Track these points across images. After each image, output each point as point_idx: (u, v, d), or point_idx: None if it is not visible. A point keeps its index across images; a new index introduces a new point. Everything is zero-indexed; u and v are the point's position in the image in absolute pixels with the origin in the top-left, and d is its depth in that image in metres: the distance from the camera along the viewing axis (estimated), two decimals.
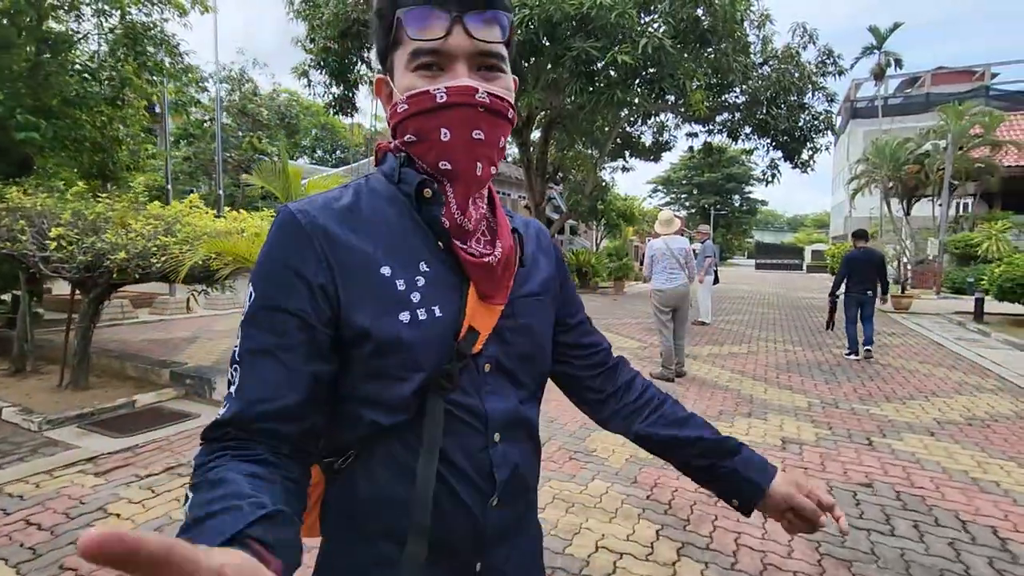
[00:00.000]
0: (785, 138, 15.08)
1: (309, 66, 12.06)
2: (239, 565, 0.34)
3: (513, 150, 23.82)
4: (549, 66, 10.01)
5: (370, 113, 45.62)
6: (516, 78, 0.71)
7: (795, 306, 13.58)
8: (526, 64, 10.55)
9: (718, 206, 56.50)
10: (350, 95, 12.68)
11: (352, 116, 13.87)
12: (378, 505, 0.67)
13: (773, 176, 16.05)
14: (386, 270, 0.65)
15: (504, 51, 0.67)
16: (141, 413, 4.26)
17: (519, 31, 9.34)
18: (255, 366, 0.61)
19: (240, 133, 22.51)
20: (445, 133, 0.64)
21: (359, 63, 12.21)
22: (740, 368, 6.29)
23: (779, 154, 15.96)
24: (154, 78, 7.07)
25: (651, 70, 9.74)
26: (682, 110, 14.41)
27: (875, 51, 30.08)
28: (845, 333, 7.07)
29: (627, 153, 20.50)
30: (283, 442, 0.60)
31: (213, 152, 22.07)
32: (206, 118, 19.58)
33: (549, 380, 0.83)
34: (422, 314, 0.65)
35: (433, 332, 0.65)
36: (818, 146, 14.92)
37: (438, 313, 0.66)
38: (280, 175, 4.32)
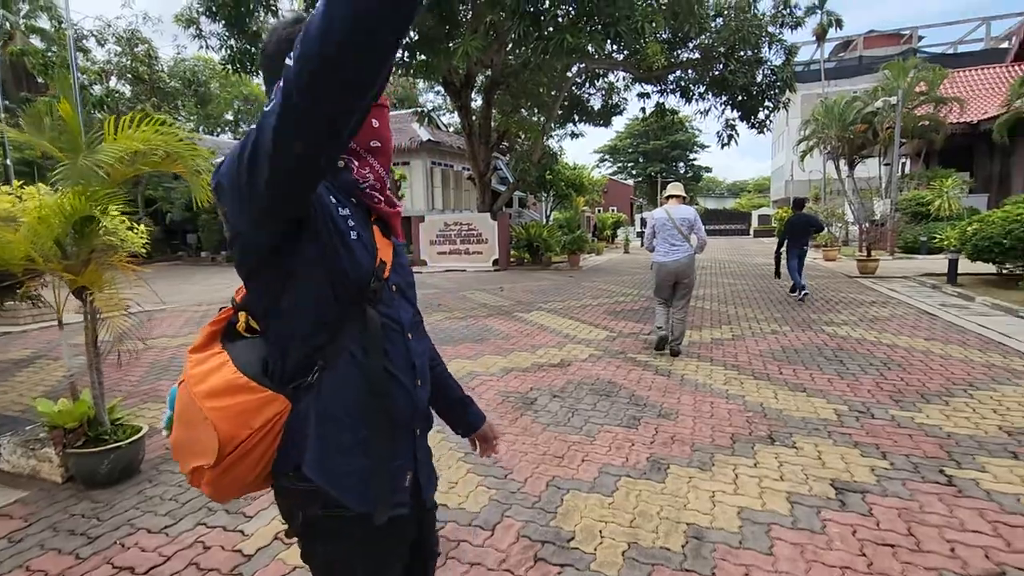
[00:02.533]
0: (743, 96, 14.14)
1: (199, 12, 9.98)
2: None
3: (454, 118, 22.11)
4: (487, 5, 8.48)
5: None
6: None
7: (759, 275, 12.84)
8: (462, 6, 8.97)
9: (664, 173, 56.41)
10: (251, 49, 10.66)
11: (257, 74, 11.81)
12: (348, 399, 0.91)
13: (730, 138, 15.15)
14: (343, 211, 0.93)
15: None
16: None
17: None
18: None
19: (138, 103, 19.64)
20: (380, 126, 1.01)
21: (261, 10, 10.20)
22: (732, 361, 5.19)
23: (736, 115, 15.07)
24: None
25: (605, 10, 8.37)
26: (636, 64, 13.17)
27: (817, 11, 29.77)
28: (791, 278, 8.92)
29: (575, 118, 19.18)
30: None
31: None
32: (87, 82, 16.80)
33: None
34: (353, 236, 0.92)
35: (367, 257, 0.93)
36: (777, 103, 14.05)
37: (355, 237, 0.92)
38: (65, 127, 2.72)
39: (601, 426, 3.62)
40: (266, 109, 0.70)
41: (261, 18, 10.46)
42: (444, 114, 26.75)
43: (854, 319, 7.08)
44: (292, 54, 0.65)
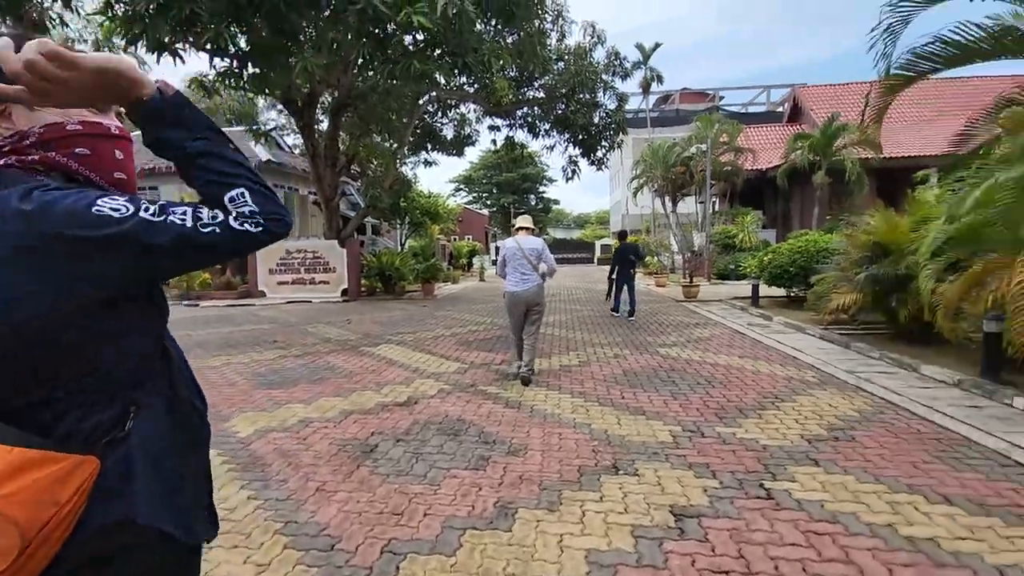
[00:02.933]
0: (583, 135, 15.27)
1: None
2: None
3: (299, 139, 20.73)
4: (328, 22, 8.02)
5: None
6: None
7: (603, 300, 13.67)
8: (303, 22, 8.37)
9: (516, 204, 58.97)
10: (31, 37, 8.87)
11: None
12: (167, 438, 0.92)
13: (574, 172, 16.24)
14: None
15: None
16: None
17: None
18: None
19: None
20: None
21: None
22: (579, 388, 5.28)
23: (578, 151, 16.20)
24: None
25: (451, 40, 8.40)
26: (485, 98, 13.52)
27: (642, 66, 33.66)
28: (614, 300, 10.54)
29: (429, 146, 19.15)
30: None
31: None
32: None
33: None
34: None
35: None
36: (612, 143, 15.39)
37: None
38: None
39: (447, 471, 3.34)
40: (237, 227, 0.86)
41: (39, 3, 8.77)
42: (288, 134, 25.11)
43: (683, 340, 7.75)
44: (270, 212, 0.91)
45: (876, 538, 2.50)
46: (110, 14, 7.87)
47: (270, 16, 7.82)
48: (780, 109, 35.38)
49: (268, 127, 19.28)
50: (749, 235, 19.16)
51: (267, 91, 10.46)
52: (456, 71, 9.19)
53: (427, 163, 20.30)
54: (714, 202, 27.26)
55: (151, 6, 7.33)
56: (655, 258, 22.28)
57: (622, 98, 15.11)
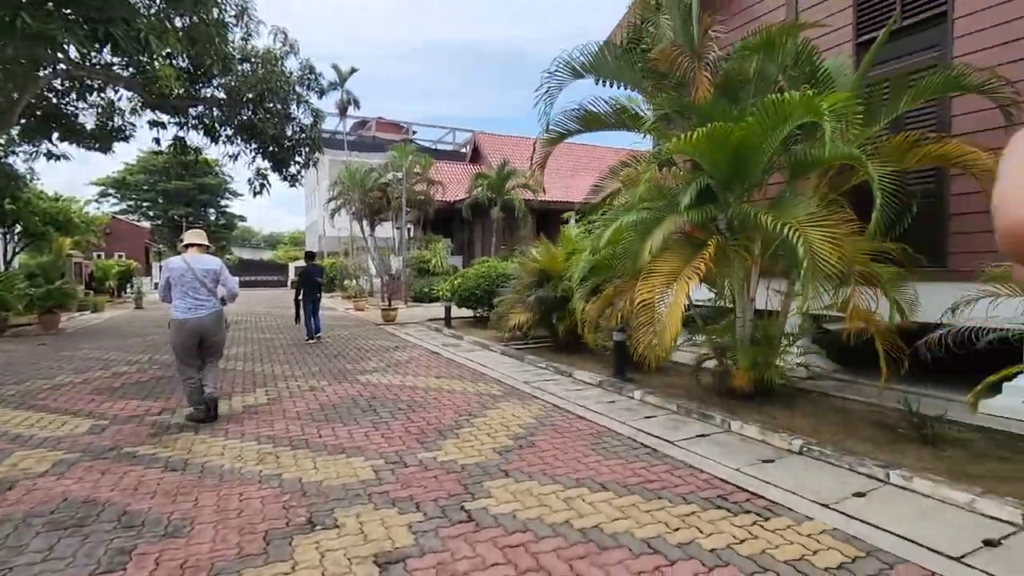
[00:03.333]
0: (274, 147, 13.98)
1: None
2: None
3: None
4: None
5: None
6: None
7: (297, 327, 12.59)
8: None
9: (191, 217, 50.44)
10: None
11: None
12: None
13: (262, 186, 14.65)
14: None
15: None
16: None
17: None
18: None
19: None
20: None
21: None
22: (268, 431, 4.57)
23: (267, 164, 14.75)
24: None
25: (91, 2, 6.55)
26: (144, 85, 11.10)
27: (338, 87, 33.26)
28: (304, 326, 10.12)
29: (55, 134, 14.62)
30: None
31: None
32: None
33: None
34: None
35: None
36: (308, 160, 14.54)
37: None
38: None
39: None
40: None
41: None
42: None
43: (383, 365, 7.65)
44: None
45: (558, 537, 2.76)
46: None
47: None
48: (463, 150, 39.84)
49: None
50: (441, 260, 20.66)
51: None
52: (97, 43, 7.22)
53: (52, 156, 15.46)
54: (409, 228, 28.68)
55: None
56: (354, 281, 21.93)
57: (318, 114, 14.47)
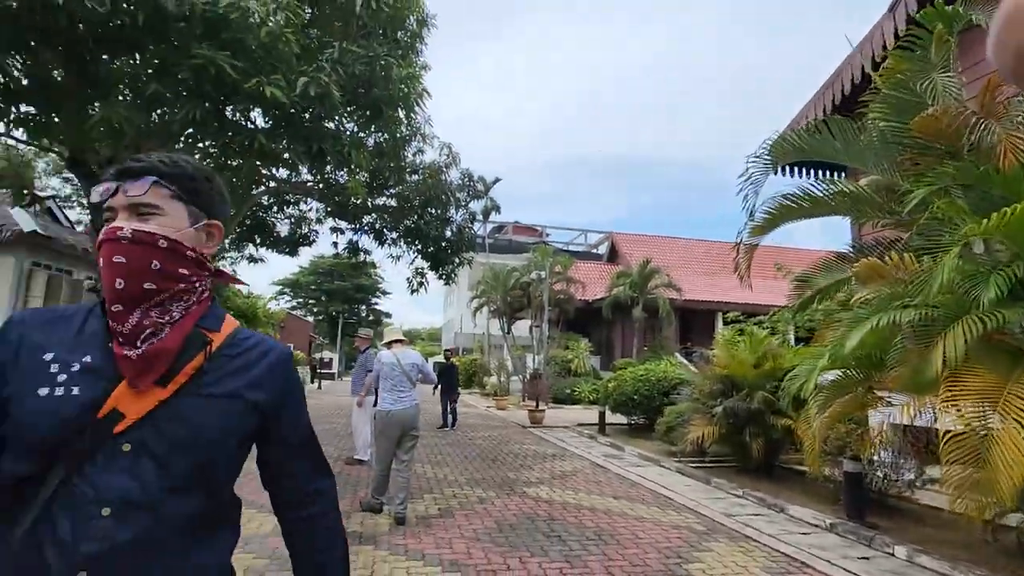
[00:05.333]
0: (433, 247, 14.91)
1: None
2: None
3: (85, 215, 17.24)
4: (150, 73, 6.60)
5: None
6: (198, 211, 0.93)
7: (439, 426, 12.46)
8: (110, 61, 6.81)
9: (347, 314, 56.03)
10: None
11: None
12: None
13: (420, 284, 15.55)
14: (48, 356, 0.82)
15: (162, 201, 0.88)
16: None
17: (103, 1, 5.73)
18: None
19: None
20: (100, 261, 0.86)
21: None
22: (450, 554, 4.01)
23: (426, 264, 15.73)
24: None
25: (308, 123, 7.50)
26: (331, 197, 12.56)
27: (482, 196, 35.97)
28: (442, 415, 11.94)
29: (258, 240, 17.10)
30: None
31: None
32: None
33: None
34: (59, 391, 0.79)
35: (65, 408, 0.78)
36: (463, 259, 15.25)
37: (75, 392, 0.80)
38: None
39: None
40: None
41: None
42: (73, 206, 20.88)
43: (546, 476, 6.92)
44: None
45: None
46: None
47: (70, 49, 6.21)
48: (595, 250, 40.23)
49: (45, 194, 15.66)
50: (583, 360, 19.97)
51: (48, 141, 8.28)
52: (311, 158, 8.19)
53: (253, 259, 18.03)
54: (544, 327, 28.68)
55: None
56: (496, 379, 21.84)
57: (474, 217, 15.33)
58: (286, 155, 7.71)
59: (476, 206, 18.04)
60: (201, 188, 0.94)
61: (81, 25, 6.08)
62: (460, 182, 15.17)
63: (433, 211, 14.55)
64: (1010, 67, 0.27)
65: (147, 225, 0.86)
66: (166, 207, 0.89)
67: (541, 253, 24.00)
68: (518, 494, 5.90)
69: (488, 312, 26.47)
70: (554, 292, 23.26)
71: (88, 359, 0.83)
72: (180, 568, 0.82)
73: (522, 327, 26.45)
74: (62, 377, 0.80)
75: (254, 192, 13.52)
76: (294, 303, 56.95)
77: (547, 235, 49.08)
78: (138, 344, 0.83)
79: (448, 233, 14.94)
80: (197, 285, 0.91)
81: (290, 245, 17.63)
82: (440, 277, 15.42)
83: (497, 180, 37.06)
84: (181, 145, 9.76)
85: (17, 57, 6.57)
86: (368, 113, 8.28)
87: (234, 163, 9.13)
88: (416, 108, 9.74)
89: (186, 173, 0.92)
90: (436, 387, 11.76)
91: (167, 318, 0.87)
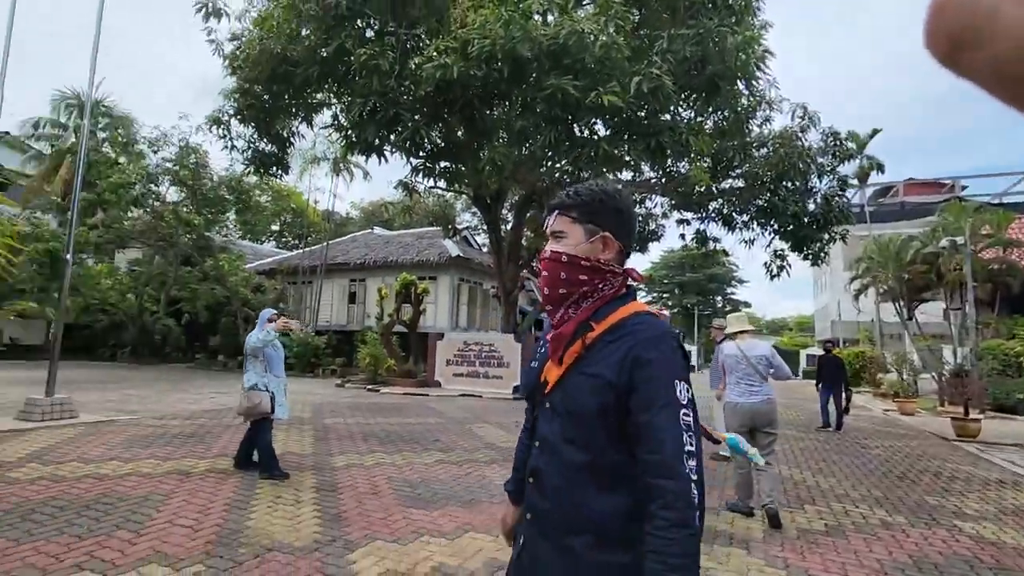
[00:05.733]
0: (793, 225, 13.11)
1: (229, 115, 9.89)
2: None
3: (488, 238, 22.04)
4: (517, 112, 7.91)
5: (328, 190, 43.44)
6: (594, 228, 1.17)
7: (820, 426, 10.67)
8: (489, 112, 8.49)
9: (701, 306, 55.16)
10: (280, 153, 10.41)
11: (280, 177, 11.54)
12: None
13: (780, 268, 13.91)
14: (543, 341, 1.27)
15: (565, 226, 1.19)
16: None
17: (480, 67, 7.25)
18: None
19: (183, 206, 20.26)
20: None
21: (292, 115, 10.09)
22: None
23: (785, 245, 13.98)
24: None
25: (644, 120, 7.64)
26: (674, 188, 12.49)
27: (855, 156, 29.89)
28: (821, 413, 10.26)
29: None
30: None
31: (135, 220, 19.60)
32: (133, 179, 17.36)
33: None
34: (534, 363, 1.27)
35: (529, 376, 1.27)
36: (833, 234, 12.93)
37: (533, 364, 1.27)
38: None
39: None
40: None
41: (292, 123, 10.34)
42: (479, 233, 26.93)
43: (991, 509, 5.08)
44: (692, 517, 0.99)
45: None
46: (335, 123, 8.82)
47: (464, 111, 7.97)
48: None
49: (462, 227, 20.75)
50: None
51: (457, 186, 10.83)
52: (650, 154, 8.34)
53: None
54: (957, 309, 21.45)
55: (364, 111, 7.97)
56: (896, 376, 17.52)
57: (844, 182, 12.82)
58: (627, 157, 8.06)
59: (847, 169, 15.11)
60: (596, 208, 1.17)
61: (470, 91, 7.79)
62: (822, 145, 12.98)
63: (789, 184, 12.86)
64: (944, 52, 0.29)
65: (557, 246, 1.17)
66: (567, 230, 1.18)
67: (954, 212, 18.18)
68: (944, 526, 4.51)
69: (876, 294, 21.63)
70: (982, 262, 17.27)
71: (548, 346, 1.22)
72: (572, 504, 1.09)
73: (929, 311, 20.53)
74: (536, 357, 1.26)
75: None
76: (649, 298, 59.41)
77: (962, 188, 37.03)
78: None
79: (811, 206, 12.95)
80: (599, 286, 1.15)
81: (640, 242, 18.40)
82: (805, 258, 13.49)
83: (876, 132, 30.35)
84: (544, 168, 11.42)
85: (435, 127, 8.85)
86: (704, 94, 7.91)
87: (586, 174, 10.10)
88: (757, 74, 8.78)
89: (582, 200, 1.18)
90: (818, 381, 10.39)
91: (574, 312, 1.17)
